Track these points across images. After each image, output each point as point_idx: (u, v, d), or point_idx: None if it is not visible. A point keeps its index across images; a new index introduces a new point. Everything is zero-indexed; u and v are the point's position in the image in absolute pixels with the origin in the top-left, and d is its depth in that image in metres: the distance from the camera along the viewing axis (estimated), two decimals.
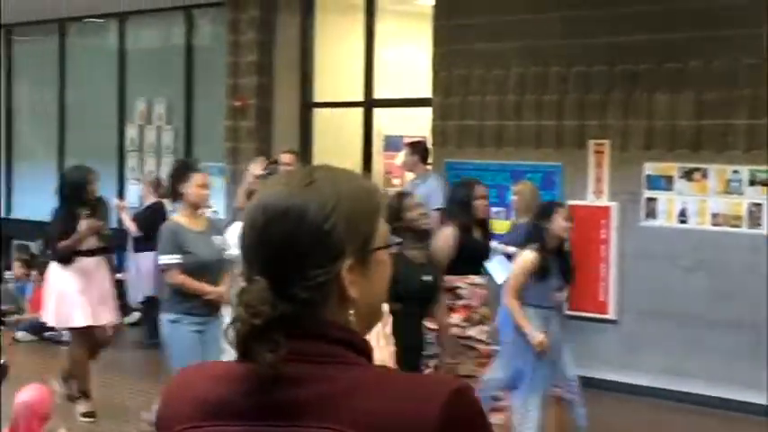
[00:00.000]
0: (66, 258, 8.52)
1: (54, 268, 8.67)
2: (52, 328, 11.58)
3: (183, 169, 7.43)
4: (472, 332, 7.46)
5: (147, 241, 11.31)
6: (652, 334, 9.27)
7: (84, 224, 8.44)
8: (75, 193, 8.56)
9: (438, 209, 9.98)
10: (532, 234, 7.20)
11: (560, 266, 7.16)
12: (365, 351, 1.65)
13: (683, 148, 9.18)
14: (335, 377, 1.58)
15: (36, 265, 12.94)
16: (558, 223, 7.05)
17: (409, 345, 5.98)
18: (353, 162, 11.25)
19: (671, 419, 9.04)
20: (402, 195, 6.87)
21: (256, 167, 10.06)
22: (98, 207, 8.85)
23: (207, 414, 1.63)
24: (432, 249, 6.93)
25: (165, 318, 7.08)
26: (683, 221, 9.31)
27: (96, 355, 9.02)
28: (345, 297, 1.62)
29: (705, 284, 9.03)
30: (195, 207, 7.17)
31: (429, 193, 10.04)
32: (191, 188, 7.12)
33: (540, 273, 6.98)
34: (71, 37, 15.01)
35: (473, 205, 7.77)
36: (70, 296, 8.49)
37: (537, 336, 6.91)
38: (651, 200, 9.45)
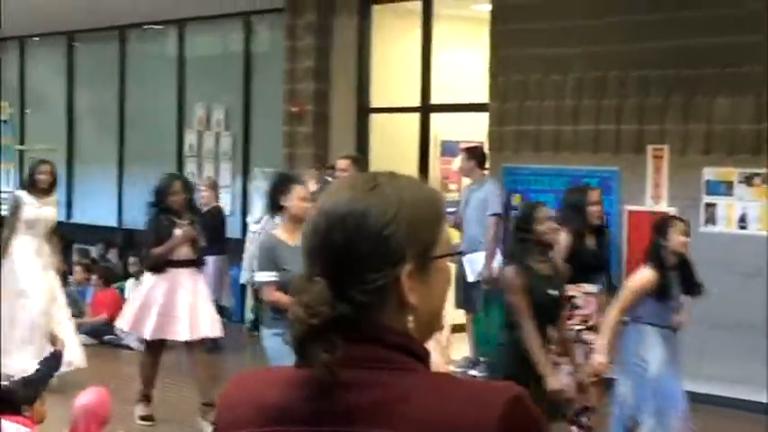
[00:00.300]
0: (156, 267, 8.46)
1: (147, 277, 8.67)
2: (112, 332, 11.77)
3: (285, 182, 7.22)
4: (587, 340, 7.37)
5: (207, 245, 11.45)
6: (710, 341, 9.17)
7: (178, 232, 8.40)
8: (159, 200, 8.52)
9: (494, 214, 10.00)
10: (650, 252, 6.86)
11: (683, 282, 6.87)
12: (423, 357, 1.65)
13: (743, 152, 9.07)
14: (393, 383, 1.58)
15: (96, 269, 13.12)
16: (676, 239, 6.74)
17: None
18: (410, 167, 11.26)
19: (731, 428, 8.94)
20: (535, 206, 6.63)
21: (311, 182, 10.14)
22: (196, 211, 8.88)
23: (266, 419, 1.65)
24: (556, 261, 6.71)
25: (267, 332, 6.90)
26: (742, 227, 9.21)
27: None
28: (404, 303, 1.62)
29: (765, 291, 8.91)
30: (298, 220, 6.77)
31: (486, 198, 10.05)
32: (293, 201, 6.92)
33: (659, 291, 6.68)
34: (131, 43, 15.20)
35: (587, 211, 7.66)
36: (150, 306, 8.42)
37: (597, 357, 6.76)
38: (710, 205, 9.35)
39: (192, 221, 8.54)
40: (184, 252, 8.48)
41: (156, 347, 8.68)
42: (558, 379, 6.23)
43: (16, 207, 9.44)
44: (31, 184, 9.56)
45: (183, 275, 8.50)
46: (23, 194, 9.52)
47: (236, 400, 1.72)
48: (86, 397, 6.40)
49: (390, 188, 1.65)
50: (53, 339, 7.26)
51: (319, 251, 1.64)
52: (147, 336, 8.60)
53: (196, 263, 8.66)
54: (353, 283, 1.60)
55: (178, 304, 8.41)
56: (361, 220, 1.61)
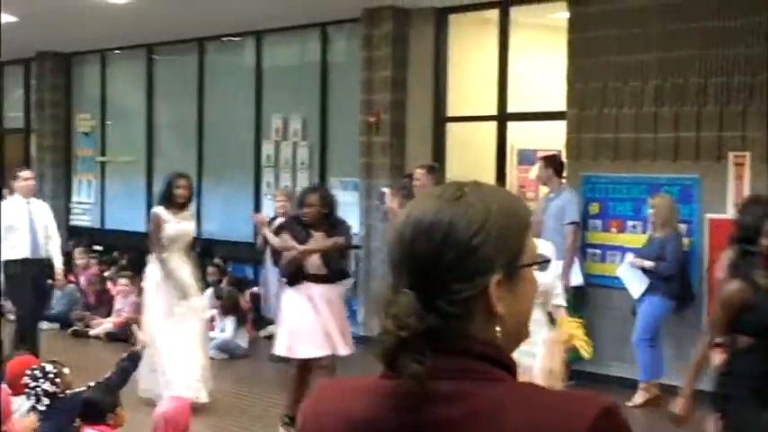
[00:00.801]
0: (291, 277, 8.45)
1: (287, 294, 8.61)
2: None
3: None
4: None
5: (281, 256, 11.55)
6: None
7: (312, 242, 8.40)
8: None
9: (571, 223, 9.97)
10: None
11: None
12: (511, 368, 1.65)
13: None
14: (482, 394, 1.58)
15: None
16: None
17: (758, 385, 5.37)
18: (487, 176, 11.20)
19: None
20: (763, 218, 5.99)
21: (393, 200, 10.21)
22: (337, 227, 8.68)
23: (354, 431, 1.65)
24: None
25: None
26: None
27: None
28: (492, 313, 1.62)
29: None
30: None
31: (563, 206, 10.03)
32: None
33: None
34: (209, 55, 15.41)
35: None
36: (299, 328, 8.34)
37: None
38: None
39: (329, 234, 8.45)
40: (316, 266, 8.43)
41: (308, 367, 8.49)
42: None
43: (156, 224, 9.19)
44: (167, 199, 9.28)
45: (318, 290, 8.40)
46: (161, 210, 9.25)
47: (321, 410, 1.71)
48: (166, 405, 6.51)
49: (476, 197, 1.65)
50: (135, 339, 7.39)
51: (406, 262, 1.64)
52: (302, 355, 8.43)
53: (328, 278, 8.49)
54: (441, 294, 1.60)
55: (318, 321, 8.31)
56: (447, 229, 1.61)
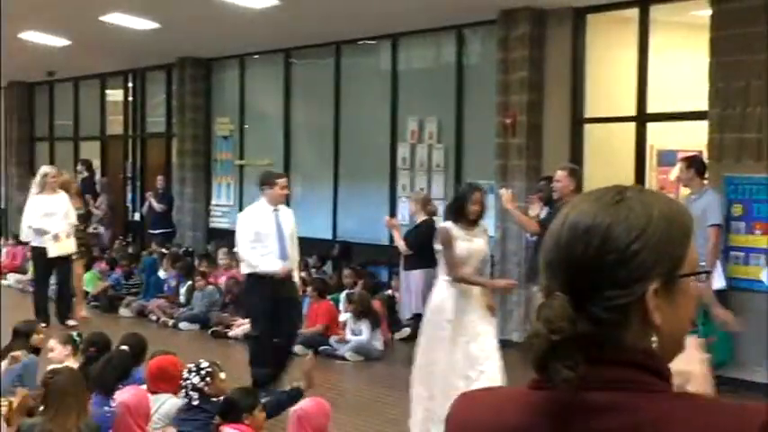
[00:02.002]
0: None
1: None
2: (327, 343, 12.14)
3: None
4: None
5: (416, 259, 11.68)
6: None
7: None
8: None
9: (714, 225, 9.80)
10: None
11: None
12: (668, 379, 1.61)
13: None
14: (641, 406, 1.54)
15: (311, 281, 13.53)
16: None
17: None
18: (625, 178, 11.16)
19: None
20: None
21: (534, 206, 10.23)
22: None
23: None
24: None
25: None
26: None
27: None
28: (648, 323, 1.58)
29: None
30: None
31: (705, 208, 9.87)
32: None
33: None
34: (346, 58, 15.65)
35: None
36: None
37: None
38: None
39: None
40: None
41: None
42: None
43: (447, 241, 8.19)
44: (459, 214, 8.24)
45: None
46: (451, 226, 8.22)
47: (469, 422, 1.69)
48: (303, 405, 6.63)
49: (638, 202, 1.61)
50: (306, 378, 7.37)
51: (560, 265, 1.61)
52: None
53: None
54: (595, 299, 1.57)
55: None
56: (605, 234, 1.57)
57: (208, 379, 6.66)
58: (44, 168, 14.46)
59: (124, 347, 7.53)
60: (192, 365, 6.76)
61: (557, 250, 1.62)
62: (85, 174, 19.80)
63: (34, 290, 14.30)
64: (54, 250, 13.48)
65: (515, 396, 1.65)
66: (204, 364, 6.79)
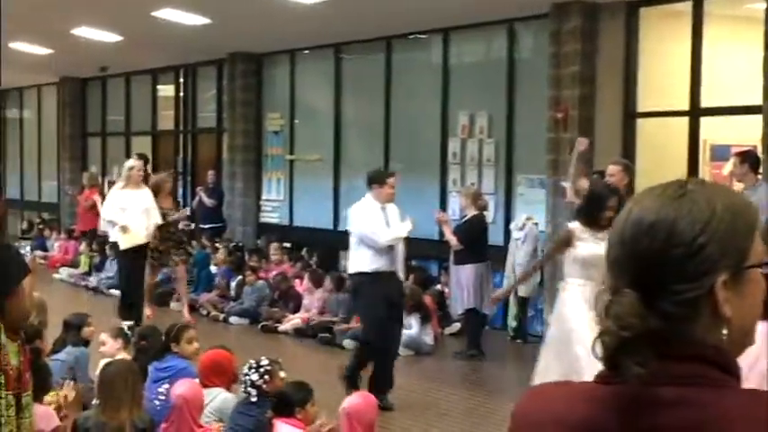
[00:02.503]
0: None
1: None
2: None
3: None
4: None
5: (466, 253, 11.71)
6: None
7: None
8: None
9: None
10: None
11: None
12: (738, 374, 1.61)
13: None
14: (709, 402, 1.54)
15: None
16: None
17: None
18: (678, 172, 11.03)
19: None
20: None
21: (583, 183, 10.17)
22: None
23: None
24: None
25: None
26: None
27: None
28: (718, 316, 1.58)
29: None
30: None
31: (759, 203, 9.79)
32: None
33: None
34: (396, 53, 15.69)
35: None
36: None
37: None
38: None
39: None
40: None
41: None
42: None
43: (566, 241, 7.97)
44: (590, 217, 7.87)
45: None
46: (577, 227, 7.94)
47: (535, 416, 1.70)
48: (352, 402, 6.67)
49: (701, 195, 1.62)
50: None
51: (626, 261, 1.62)
52: None
53: None
54: (664, 294, 1.57)
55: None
56: (670, 228, 1.58)
57: (267, 377, 6.72)
58: (129, 162, 14.03)
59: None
60: (253, 362, 6.82)
61: (622, 247, 1.64)
62: None
63: (119, 286, 14.08)
64: (123, 242, 13.03)
65: (584, 390, 1.66)
66: (265, 361, 6.84)
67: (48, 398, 6.56)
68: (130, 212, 12.95)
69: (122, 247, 13.08)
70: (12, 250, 5.28)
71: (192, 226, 17.67)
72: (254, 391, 6.68)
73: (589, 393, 1.63)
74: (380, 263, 9.36)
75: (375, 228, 9.37)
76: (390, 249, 9.44)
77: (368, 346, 9.51)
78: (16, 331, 5.09)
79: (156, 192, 13.58)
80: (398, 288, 9.74)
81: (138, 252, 13.20)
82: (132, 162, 13.88)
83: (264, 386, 6.68)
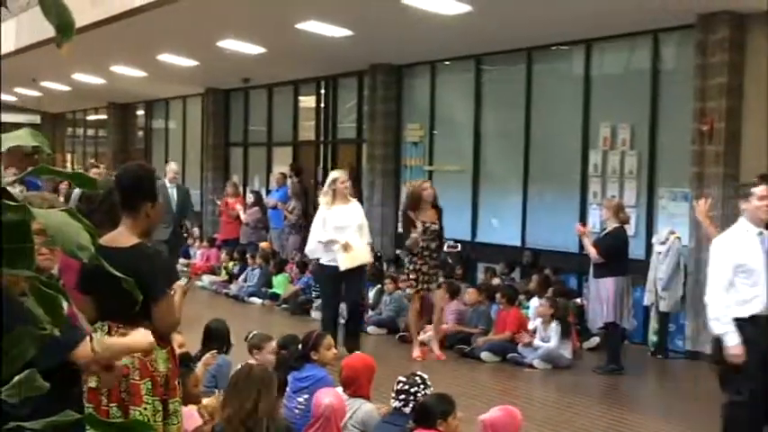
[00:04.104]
0: None
1: None
2: (515, 350, 12.22)
3: None
4: None
5: (607, 267, 11.63)
6: None
7: None
8: None
9: None
10: None
11: None
12: None
13: None
14: None
15: (500, 288, 13.61)
16: None
17: None
18: None
19: None
20: None
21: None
22: None
23: None
24: None
25: None
26: None
27: None
28: None
29: None
30: None
31: None
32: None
33: None
34: (537, 64, 15.68)
35: None
36: None
37: None
38: None
39: None
40: None
41: None
42: None
43: None
44: None
45: None
46: None
47: None
48: (492, 414, 6.67)
49: None
50: None
51: None
52: None
53: None
54: None
55: None
56: None
57: (426, 391, 6.78)
58: (334, 174, 12.64)
59: None
60: (418, 377, 6.89)
61: None
62: (295, 179, 20.30)
63: (322, 310, 12.93)
64: (344, 262, 11.84)
65: None
66: (425, 376, 6.94)
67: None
68: (346, 231, 11.90)
69: (343, 267, 11.85)
70: (162, 256, 5.42)
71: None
72: (411, 404, 6.70)
73: None
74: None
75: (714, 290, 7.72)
76: None
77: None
78: (165, 338, 5.22)
79: (416, 202, 12.29)
80: None
81: (354, 273, 12.09)
82: (336, 174, 12.58)
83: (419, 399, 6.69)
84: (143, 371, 5.09)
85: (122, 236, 5.15)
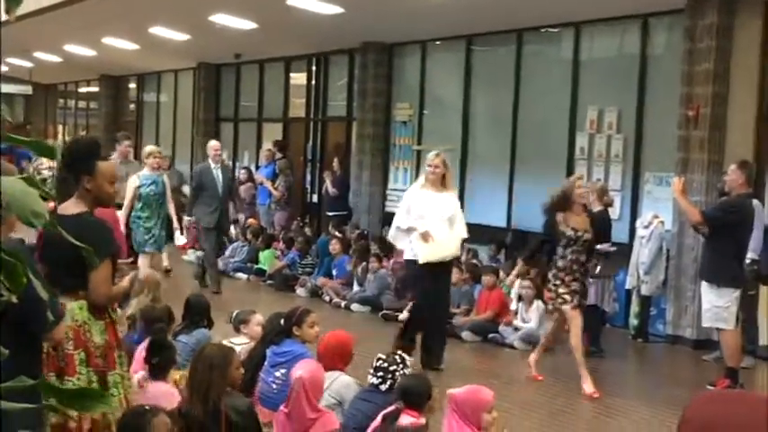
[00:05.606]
0: None
1: None
2: (496, 330, 12.26)
3: None
4: None
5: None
6: None
7: None
8: None
9: None
10: None
11: None
12: None
13: None
14: None
15: (483, 269, 13.63)
16: None
17: None
18: None
19: None
20: None
21: None
22: None
23: None
24: None
25: None
26: None
27: None
28: None
29: None
30: None
31: None
32: None
33: None
34: (527, 46, 15.67)
35: None
36: None
37: None
38: None
39: None
40: None
41: None
42: None
43: None
44: None
45: None
46: None
47: (716, 421, 1.69)
48: (461, 390, 6.65)
49: None
50: None
51: None
52: None
53: None
54: None
55: None
56: None
57: (405, 371, 6.76)
58: (431, 154, 11.09)
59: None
60: (398, 356, 6.89)
61: None
62: (279, 155, 20.26)
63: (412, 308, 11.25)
64: (424, 254, 10.37)
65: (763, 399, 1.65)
66: (405, 356, 6.94)
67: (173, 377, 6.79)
68: (430, 220, 10.40)
69: (422, 260, 10.36)
70: (104, 225, 5.43)
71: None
72: (389, 382, 6.68)
73: None
74: None
75: None
76: None
77: None
78: (101, 309, 5.25)
79: (565, 203, 10.17)
80: None
81: (440, 268, 10.54)
82: (429, 155, 11.04)
83: (397, 378, 6.66)
84: (77, 341, 5.12)
85: (72, 204, 5.33)
